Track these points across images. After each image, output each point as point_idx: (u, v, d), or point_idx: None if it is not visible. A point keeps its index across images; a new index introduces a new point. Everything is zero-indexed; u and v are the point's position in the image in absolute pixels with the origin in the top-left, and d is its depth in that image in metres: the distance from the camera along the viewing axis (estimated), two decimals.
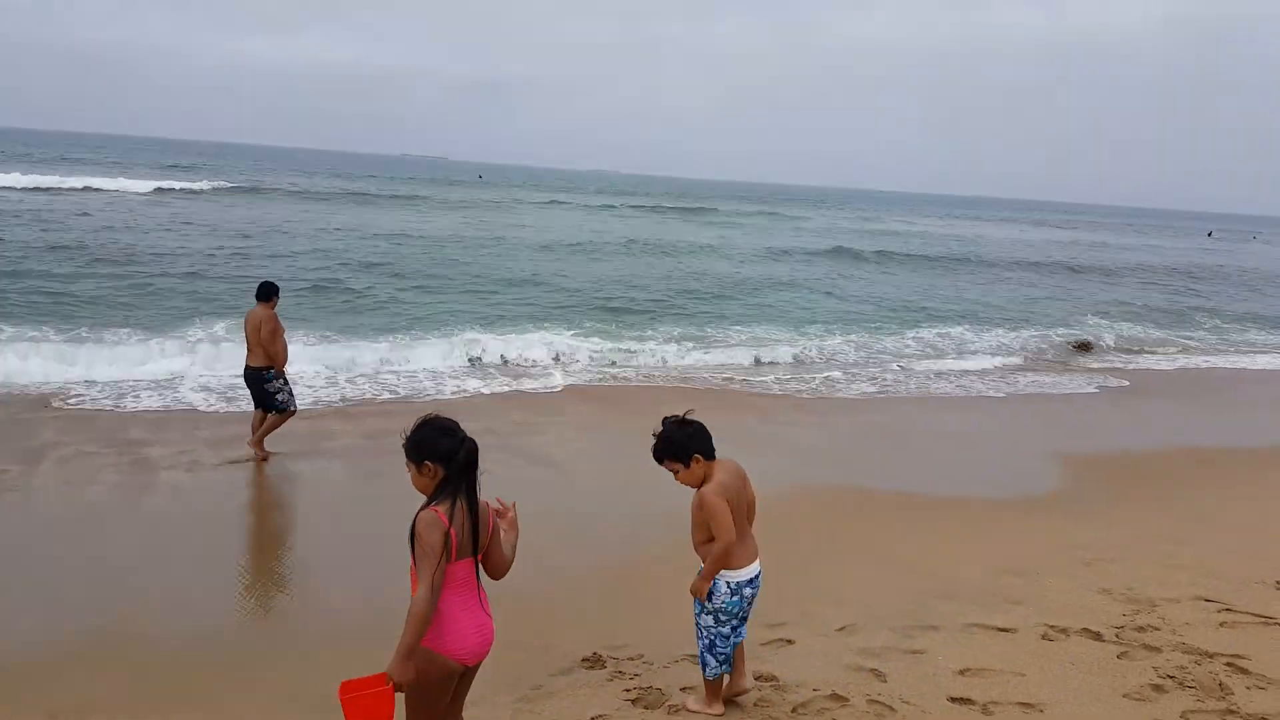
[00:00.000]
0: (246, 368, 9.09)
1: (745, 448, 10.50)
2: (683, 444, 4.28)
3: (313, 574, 6.75)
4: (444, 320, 17.16)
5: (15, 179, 38.30)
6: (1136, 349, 19.71)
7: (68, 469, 8.48)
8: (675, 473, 4.34)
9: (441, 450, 3.29)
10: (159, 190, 40.93)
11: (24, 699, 4.77)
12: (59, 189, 37.42)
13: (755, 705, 4.67)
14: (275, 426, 9.16)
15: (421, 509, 3.31)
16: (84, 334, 13.74)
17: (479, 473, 3.37)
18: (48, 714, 4.62)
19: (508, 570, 3.56)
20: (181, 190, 42.38)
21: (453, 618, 3.33)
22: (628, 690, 4.84)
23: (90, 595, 6.12)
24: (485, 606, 3.48)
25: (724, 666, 4.51)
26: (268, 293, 9.06)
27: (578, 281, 23.55)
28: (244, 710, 4.74)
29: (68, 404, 10.63)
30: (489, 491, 3.49)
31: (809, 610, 6.02)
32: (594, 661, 5.20)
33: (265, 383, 8.98)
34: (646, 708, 4.66)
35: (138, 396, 11.14)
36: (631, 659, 5.22)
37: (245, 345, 9.11)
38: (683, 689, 4.83)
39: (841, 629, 5.73)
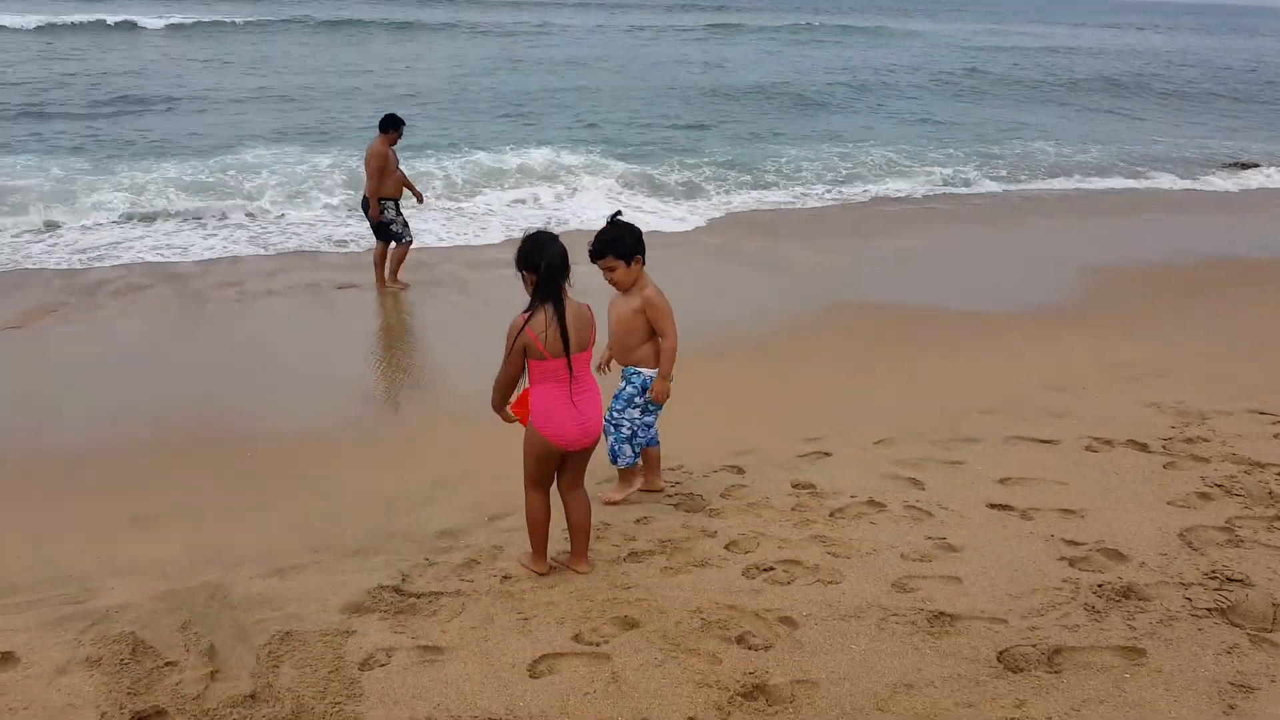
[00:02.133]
0: (364, 197, 9.23)
1: (780, 270, 10.37)
2: (632, 245, 4.41)
3: (400, 384, 6.94)
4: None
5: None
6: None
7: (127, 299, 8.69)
8: (610, 270, 4.45)
9: (533, 260, 3.70)
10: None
11: (106, 499, 5.02)
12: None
13: (793, 510, 4.74)
14: (401, 259, 9.32)
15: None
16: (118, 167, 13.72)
17: (568, 281, 3.74)
18: (128, 516, 4.86)
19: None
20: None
21: (552, 409, 3.79)
22: (670, 496, 4.94)
23: (174, 406, 6.38)
24: (589, 399, 3.88)
25: (636, 457, 4.83)
26: (385, 125, 9.07)
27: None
28: (324, 511, 4.92)
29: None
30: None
31: (845, 426, 6.03)
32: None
33: (378, 212, 9.12)
34: (688, 511, 4.76)
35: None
36: (672, 469, 5.30)
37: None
38: (723, 494, 4.92)
39: (879, 442, 5.73)
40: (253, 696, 3.30)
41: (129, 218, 11.40)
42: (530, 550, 4.13)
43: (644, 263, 4.49)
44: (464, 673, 3.40)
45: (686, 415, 6.19)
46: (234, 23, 38.29)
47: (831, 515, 4.69)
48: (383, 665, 3.47)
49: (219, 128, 17.60)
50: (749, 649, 3.54)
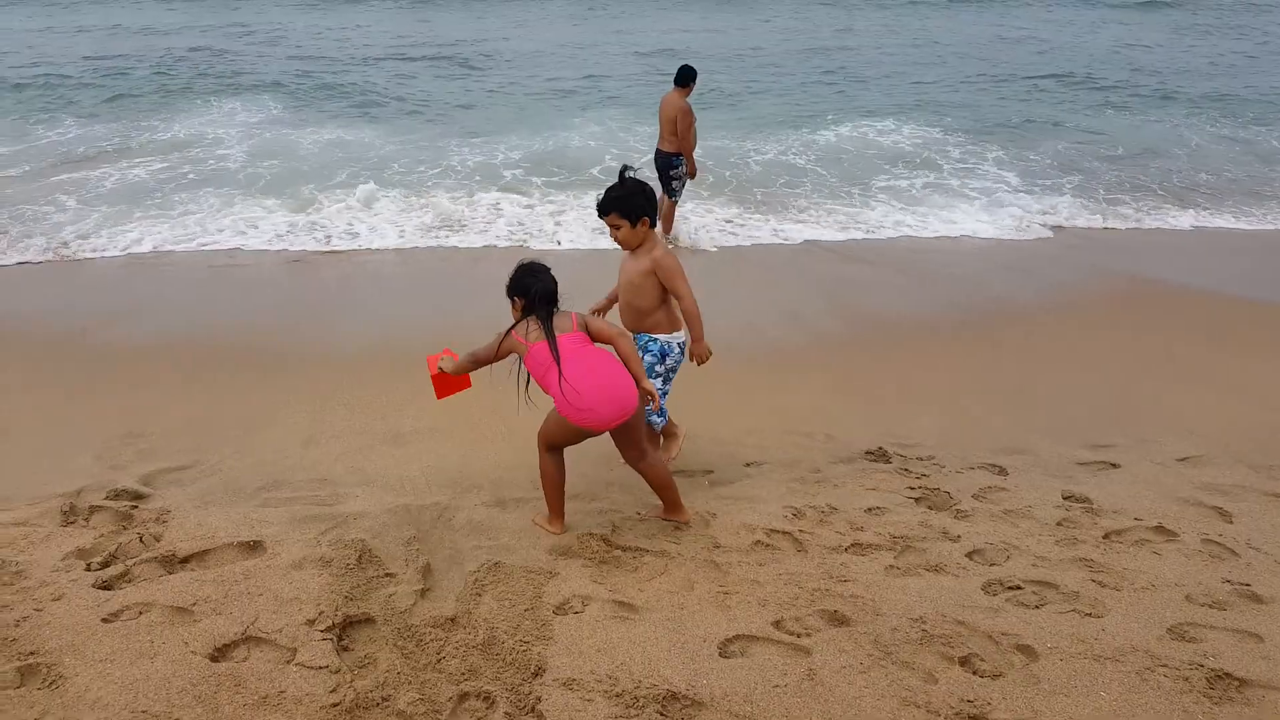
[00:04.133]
0: (658, 152, 9.18)
1: (1073, 237, 9.16)
2: (641, 205, 4.22)
3: None
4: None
5: None
6: None
7: None
8: (614, 228, 4.26)
9: (522, 287, 3.92)
10: None
11: (368, 413, 5.41)
12: None
13: (1059, 525, 4.11)
14: (671, 216, 9.33)
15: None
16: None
17: (556, 308, 3.91)
18: (384, 432, 5.18)
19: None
20: None
21: (579, 391, 3.74)
22: (912, 488, 4.47)
23: (442, 335, 6.74)
24: (608, 369, 3.80)
25: (665, 416, 4.65)
26: (684, 78, 8.86)
27: None
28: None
29: None
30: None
31: (1143, 435, 5.18)
32: (878, 455, 4.86)
33: (672, 169, 9.07)
34: (931, 508, 4.26)
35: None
36: (921, 459, 4.81)
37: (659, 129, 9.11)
38: (976, 495, 4.37)
39: (1183, 460, 4.86)
40: (453, 620, 3.35)
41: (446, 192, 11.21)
42: (546, 511, 4.09)
43: (652, 225, 4.27)
44: (652, 636, 3.23)
45: (946, 401, 5.64)
46: None
47: (1106, 537, 4.01)
48: (576, 613, 3.39)
49: (538, 102, 17.46)
50: (973, 673, 3.07)
